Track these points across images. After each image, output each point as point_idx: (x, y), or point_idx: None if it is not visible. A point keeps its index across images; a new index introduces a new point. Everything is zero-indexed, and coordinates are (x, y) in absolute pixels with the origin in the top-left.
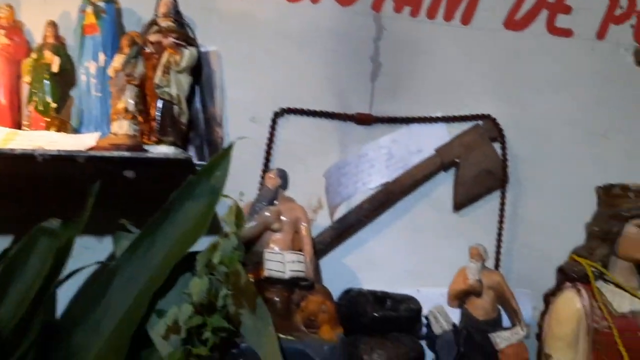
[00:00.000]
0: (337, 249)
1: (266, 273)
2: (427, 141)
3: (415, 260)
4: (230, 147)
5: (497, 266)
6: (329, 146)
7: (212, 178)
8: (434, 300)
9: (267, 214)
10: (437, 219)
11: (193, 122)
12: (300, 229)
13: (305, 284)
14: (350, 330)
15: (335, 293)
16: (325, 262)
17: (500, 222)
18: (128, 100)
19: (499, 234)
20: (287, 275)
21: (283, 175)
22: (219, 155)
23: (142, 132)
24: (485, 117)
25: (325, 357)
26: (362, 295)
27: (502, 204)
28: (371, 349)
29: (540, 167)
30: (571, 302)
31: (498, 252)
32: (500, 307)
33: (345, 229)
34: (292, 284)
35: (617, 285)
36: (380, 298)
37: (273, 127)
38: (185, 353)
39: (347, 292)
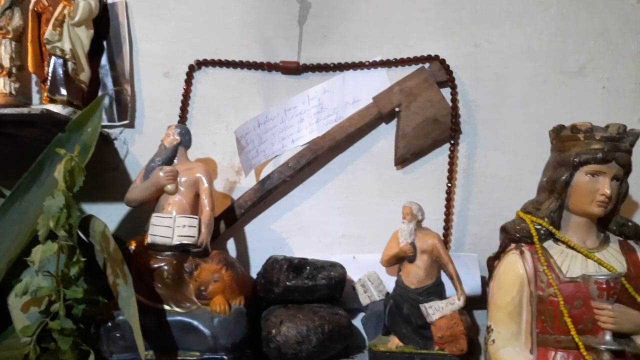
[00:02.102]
0: (265, 214)
1: (149, 239)
2: (365, 90)
3: (353, 224)
4: (99, 100)
5: (446, 228)
6: (252, 100)
7: (83, 134)
8: (372, 267)
9: (160, 174)
10: (378, 177)
11: (100, 80)
12: (200, 191)
13: (197, 251)
14: (268, 301)
15: (262, 262)
16: (251, 228)
17: (450, 178)
18: (3, 56)
19: (449, 192)
20: (175, 241)
21: (183, 132)
22: (88, 110)
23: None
24: (432, 59)
25: (215, 331)
26: (276, 262)
27: (452, 157)
28: (280, 322)
29: (499, 113)
30: (513, 267)
31: (448, 213)
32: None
33: (268, 190)
34: (184, 251)
35: (569, 246)
36: (298, 266)
37: (189, 82)
38: (42, 327)
39: (267, 261)
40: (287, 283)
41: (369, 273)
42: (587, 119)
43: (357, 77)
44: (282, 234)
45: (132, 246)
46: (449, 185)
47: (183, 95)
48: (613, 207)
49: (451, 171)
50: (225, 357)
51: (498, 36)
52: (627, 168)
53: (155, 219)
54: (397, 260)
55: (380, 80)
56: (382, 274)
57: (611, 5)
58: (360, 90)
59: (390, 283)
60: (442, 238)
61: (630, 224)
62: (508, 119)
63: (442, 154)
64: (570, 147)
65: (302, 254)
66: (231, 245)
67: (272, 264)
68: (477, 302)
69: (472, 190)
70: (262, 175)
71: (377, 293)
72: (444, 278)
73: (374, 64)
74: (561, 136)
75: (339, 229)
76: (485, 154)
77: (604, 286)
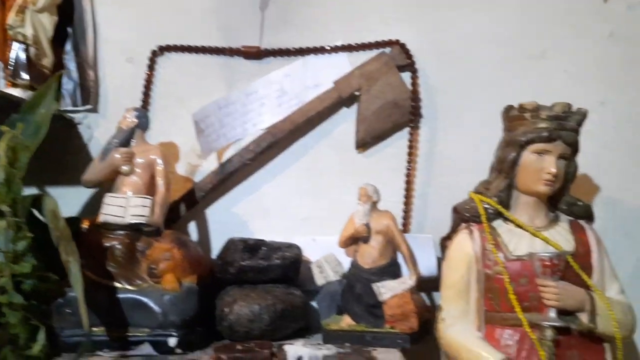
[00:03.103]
0: (226, 197)
1: (102, 218)
2: (326, 74)
3: (314, 207)
4: (50, 81)
5: (407, 211)
6: (214, 85)
7: (36, 115)
8: (332, 249)
9: (116, 155)
10: (339, 160)
11: (64, 65)
12: (155, 172)
13: (150, 231)
14: (225, 281)
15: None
16: (212, 211)
17: (410, 161)
18: None
19: (409, 175)
20: (127, 220)
21: (140, 115)
22: (40, 92)
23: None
24: (393, 43)
25: (165, 308)
26: (232, 243)
27: (413, 140)
28: (234, 301)
29: (461, 97)
30: (461, 246)
31: (408, 196)
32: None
33: (229, 173)
34: (137, 230)
35: (518, 225)
36: (253, 246)
37: (151, 67)
38: None
39: (226, 243)
40: (242, 263)
41: (326, 254)
42: (550, 103)
43: (318, 61)
44: (243, 217)
45: (86, 225)
46: (409, 168)
47: (146, 80)
48: (562, 186)
49: (411, 154)
50: (174, 333)
51: (460, 20)
52: (573, 147)
53: (108, 198)
54: (352, 241)
55: (341, 65)
56: (342, 257)
57: None
58: (321, 75)
59: (349, 265)
60: (403, 221)
61: (580, 203)
62: (470, 103)
63: (403, 137)
64: (517, 126)
65: (264, 237)
66: (193, 229)
67: (229, 244)
68: (435, 283)
69: (433, 173)
70: (224, 159)
71: (334, 274)
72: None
73: (335, 49)
74: (510, 116)
75: (300, 212)
76: (447, 137)
77: (548, 263)
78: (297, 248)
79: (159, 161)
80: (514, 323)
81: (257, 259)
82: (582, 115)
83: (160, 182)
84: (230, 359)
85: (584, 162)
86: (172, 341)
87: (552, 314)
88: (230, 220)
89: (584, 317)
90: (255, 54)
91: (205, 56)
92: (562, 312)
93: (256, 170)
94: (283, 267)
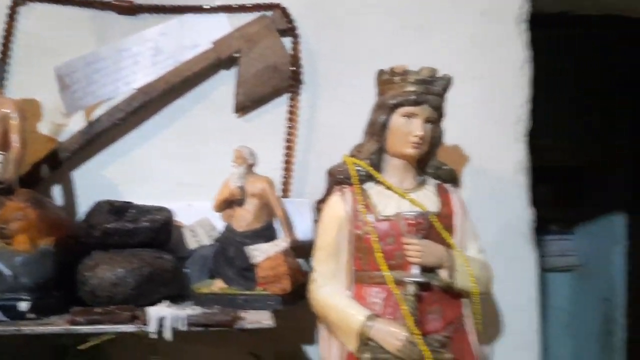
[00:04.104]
0: (95, 159)
1: None
2: (205, 34)
3: (191, 172)
4: None
5: (286, 177)
6: (83, 39)
7: None
8: (209, 215)
9: None
10: (218, 124)
11: None
12: (9, 127)
13: (1, 188)
14: (89, 246)
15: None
16: (79, 174)
17: (291, 127)
18: None
19: (289, 141)
20: None
21: None
22: None
23: None
24: (274, 6)
25: (16, 270)
26: (98, 205)
27: (293, 106)
28: (96, 265)
29: (343, 65)
30: (333, 208)
31: (288, 162)
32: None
33: (96, 134)
34: None
35: (387, 187)
36: (120, 209)
37: (12, 17)
38: None
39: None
40: (107, 226)
41: (200, 219)
42: None
43: (197, 21)
44: (113, 180)
45: None
46: (289, 134)
47: (5, 31)
48: (429, 150)
49: (292, 120)
50: (25, 297)
51: None
52: (439, 111)
53: None
54: (227, 205)
55: (220, 26)
56: (219, 222)
57: None
58: (200, 35)
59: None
60: (282, 186)
61: (445, 167)
62: (352, 71)
63: (284, 103)
64: (387, 90)
65: (135, 202)
66: (58, 192)
67: (94, 207)
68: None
69: (314, 139)
70: (93, 119)
71: (207, 238)
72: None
73: (214, 9)
74: (381, 80)
75: (175, 177)
76: (329, 104)
77: (413, 222)
78: (168, 211)
79: (13, 115)
80: (381, 281)
81: (124, 222)
82: (447, 81)
83: (14, 137)
84: (87, 321)
85: (457, 133)
86: (23, 305)
87: (415, 270)
88: (99, 183)
89: (444, 274)
90: (128, 9)
91: (73, 8)
92: (426, 270)
93: (128, 132)
94: (153, 231)
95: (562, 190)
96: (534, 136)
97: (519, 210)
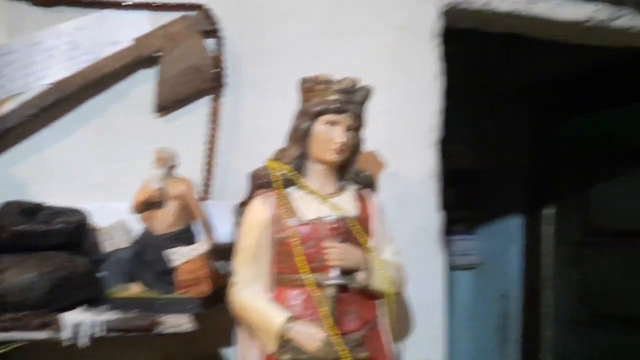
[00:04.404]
0: (4, 157)
1: None
2: (125, 31)
3: (107, 172)
4: None
5: (208, 179)
6: None
7: None
8: (125, 216)
9: None
10: (136, 123)
11: None
12: None
13: None
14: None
15: None
16: None
17: (212, 129)
18: None
19: (211, 142)
20: None
21: None
22: None
23: None
24: (197, 7)
25: None
26: (7, 206)
27: (216, 108)
28: (5, 269)
29: (268, 67)
30: (255, 212)
31: (210, 164)
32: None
33: (6, 129)
34: None
35: (309, 191)
36: (31, 210)
37: None
38: None
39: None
40: (16, 228)
41: (117, 221)
42: None
43: (117, 17)
44: (25, 179)
45: None
46: (211, 135)
47: None
48: (349, 156)
49: (214, 122)
50: None
51: None
52: (360, 120)
53: None
54: (146, 207)
55: (141, 23)
56: (136, 224)
57: None
58: (120, 32)
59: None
60: (203, 188)
61: (364, 173)
62: (275, 74)
63: (206, 104)
64: (311, 97)
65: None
66: None
67: (3, 207)
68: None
69: (236, 142)
70: (1, 114)
71: (125, 241)
72: None
73: (136, 6)
74: (304, 87)
75: (91, 177)
76: (252, 107)
77: (333, 226)
78: (82, 213)
79: None
80: (301, 284)
81: (36, 223)
82: (367, 92)
83: None
84: None
85: (374, 139)
86: None
87: (334, 273)
88: (9, 183)
89: (362, 276)
90: (44, 0)
91: None
92: (344, 272)
93: (41, 129)
94: (66, 233)
95: (465, 193)
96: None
97: (429, 213)
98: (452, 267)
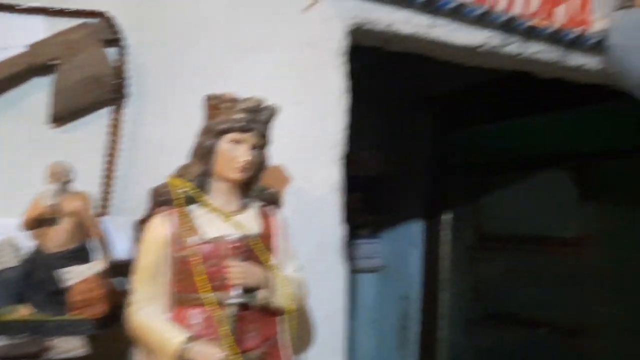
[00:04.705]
0: None
1: None
2: (18, 36)
3: None
4: None
5: (106, 193)
6: None
7: None
8: (14, 232)
9: None
10: (29, 134)
11: None
12: None
13: None
14: None
15: None
16: None
17: (112, 141)
18: None
19: (110, 155)
20: None
21: None
22: None
23: None
24: (98, 15)
25: None
26: None
27: (116, 120)
28: None
29: (173, 79)
30: (155, 230)
31: (108, 177)
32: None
33: None
34: None
35: (212, 209)
36: None
37: None
38: None
39: None
40: None
41: (5, 238)
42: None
43: (8, 21)
44: None
45: None
46: (111, 148)
47: None
48: (254, 174)
49: (114, 134)
50: None
51: (174, 4)
52: (265, 139)
53: None
54: (38, 223)
55: (37, 29)
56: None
57: None
58: (13, 37)
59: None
60: (101, 203)
61: (268, 190)
62: (181, 86)
63: (106, 116)
64: (215, 115)
65: None
66: None
67: None
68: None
69: (137, 155)
70: None
71: (13, 259)
72: None
73: (31, 10)
74: (210, 105)
75: None
76: (154, 119)
77: (235, 245)
78: None
79: None
80: (201, 303)
81: None
82: (272, 111)
83: None
84: None
85: (281, 155)
86: None
87: (235, 292)
88: None
89: (263, 294)
90: None
91: None
92: (246, 291)
93: None
94: None
95: (370, 198)
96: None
97: (333, 227)
98: (357, 271)
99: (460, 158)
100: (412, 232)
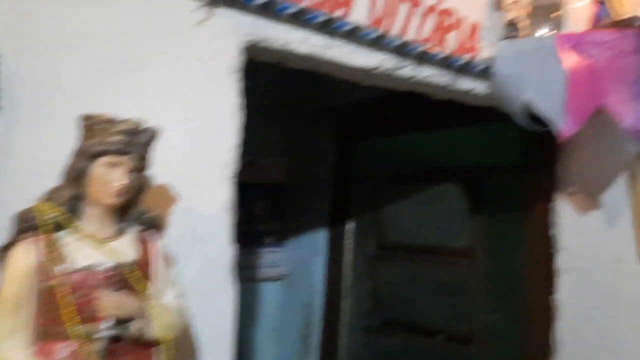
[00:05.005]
0: None
1: None
2: None
3: None
4: None
5: None
6: None
7: None
8: None
9: None
10: None
11: None
12: None
13: None
14: None
15: None
16: None
17: None
18: None
19: None
20: None
21: None
22: None
23: None
24: None
25: None
26: None
27: None
28: None
29: (50, 93)
30: (19, 258)
31: None
32: None
33: None
34: None
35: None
36: None
37: None
38: None
39: None
40: None
41: None
42: (147, 111)
43: None
44: None
45: None
46: None
47: None
48: (132, 198)
49: None
50: None
51: (51, 12)
52: (143, 161)
53: None
54: None
55: None
56: None
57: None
58: None
59: None
60: None
61: (148, 214)
62: (58, 101)
63: None
64: (90, 136)
65: None
66: None
67: None
68: None
69: (5, 171)
70: None
71: None
72: None
73: None
74: (84, 125)
75: None
76: (26, 134)
77: (107, 274)
78: None
79: None
80: (68, 336)
81: None
82: (153, 133)
83: None
84: None
85: (168, 173)
86: None
87: (105, 324)
88: None
89: (138, 325)
90: None
91: None
92: (119, 322)
93: None
94: None
95: (275, 206)
96: (251, 154)
97: (222, 247)
98: (261, 279)
99: (363, 169)
100: (316, 241)
